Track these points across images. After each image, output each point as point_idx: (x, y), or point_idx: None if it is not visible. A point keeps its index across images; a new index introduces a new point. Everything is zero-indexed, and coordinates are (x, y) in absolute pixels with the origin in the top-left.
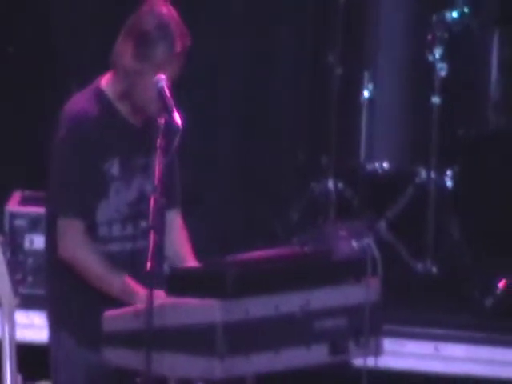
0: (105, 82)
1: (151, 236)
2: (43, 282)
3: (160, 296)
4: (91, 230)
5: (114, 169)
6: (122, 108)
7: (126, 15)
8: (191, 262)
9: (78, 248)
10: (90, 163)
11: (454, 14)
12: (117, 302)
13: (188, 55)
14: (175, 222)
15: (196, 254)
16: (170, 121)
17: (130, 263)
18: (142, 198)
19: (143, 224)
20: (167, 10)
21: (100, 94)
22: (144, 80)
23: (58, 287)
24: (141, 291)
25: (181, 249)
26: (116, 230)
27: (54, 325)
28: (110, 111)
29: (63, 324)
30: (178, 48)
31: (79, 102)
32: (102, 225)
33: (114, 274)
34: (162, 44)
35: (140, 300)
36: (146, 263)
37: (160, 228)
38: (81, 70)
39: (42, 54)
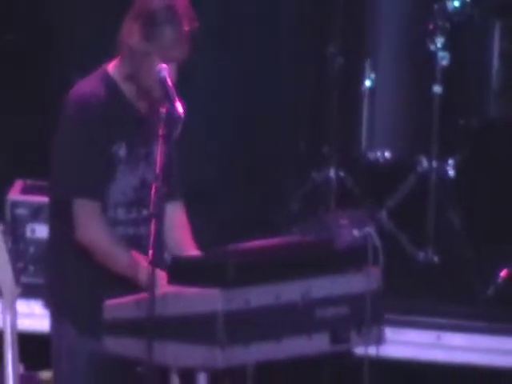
0: (112, 65)
1: (152, 224)
2: (44, 271)
3: (163, 277)
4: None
5: (122, 151)
6: (128, 92)
7: (126, 1)
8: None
9: (94, 227)
10: (97, 144)
11: (456, 4)
12: (119, 291)
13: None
14: (176, 214)
15: (197, 246)
16: (171, 110)
17: (132, 248)
18: (144, 186)
19: (145, 211)
20: None
21: (107, 78)
22: (150, 61)
23: (59, 276)
24: (147, 266)
25: (181, 241)
26: (121, 213)
27: (56, 314)
28: (116, 95)
29: (64, 313)
30: (185, 29)
31: (86, 85)
32: (109, 207)
33: (122, 250)
34: (168, 25)
35: (146, 275)
36: (147, 249)
37: (161, 216)
38: (80, 56)
39: (40, 41)
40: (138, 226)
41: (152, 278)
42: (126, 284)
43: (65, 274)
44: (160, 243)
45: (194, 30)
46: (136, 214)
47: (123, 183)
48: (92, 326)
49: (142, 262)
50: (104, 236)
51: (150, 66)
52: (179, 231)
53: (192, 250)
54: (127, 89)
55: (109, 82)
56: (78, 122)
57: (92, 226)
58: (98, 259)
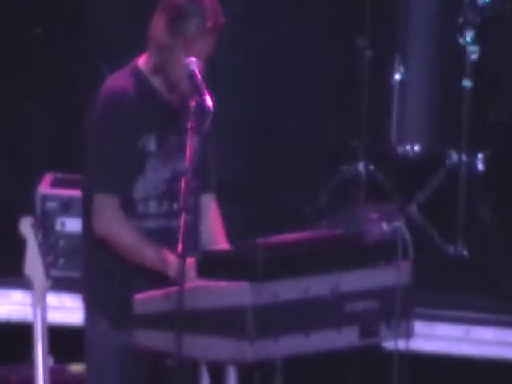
0: (141, 59)
1: (182, 218)
2: (75, 264)
3: (191, 264)
4: (128, 206)
5: (151, 145)
6: (158, 85)
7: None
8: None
9: (113, 223)
10: (126, 139)
11: None
12: (151, 285)
13: (220, 34)
14: (209, 207)
15: (228, 239)
16: (201, 103)
17: (164, 240)
18: (176, 178)
19: (177, 204)
20: None
21: (137, 72)
22: (175, 55)
23: (93, 270)
24: (176, 261)
25: (214, 234)
26: (152, 206)
27: (89, 307)
28: (146, 88)
29: (97, 306)
30: (210, 24)
31: (117, 79)
32: (139, 201)
33: (148, 245)
34: (193, 18)
35: (175, 270)
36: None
37: (192, 210)
38: (111, 51)
39: (70, 35)
40: (170, 218)
41: (181, 271)
42: (158, 277)
43: (99, 268)
44: (194, 235)
45: (220, 26)
46: (168, 206)
47: (154, 176)
48: (124, 319)
49: (169, 256)
50: (125, 232)
51: (175, 59)
52: (212, 223)
53: (223, 243)
54: (157, 82)
55: (139, 76)
56: (106, 118)
57: (109, 221)
58: (121, 254)
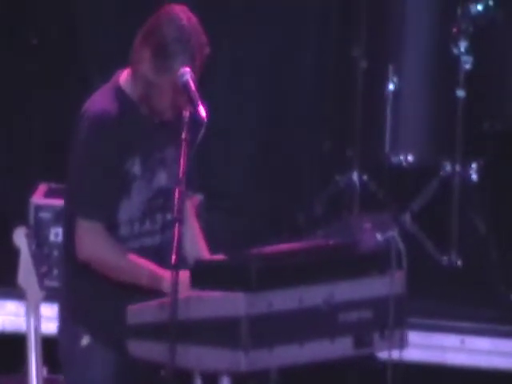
0: (123, 79)
1: (176, 228)
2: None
3: (185, 277)
4: (112, 229)
5: (136, 168)
6: (141, 108)
7: (148, 7)
8: (204, 253)
9: (98, 249)
10: (111, 164)
11: (479, 7)
12: (136, 297)
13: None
14: (189, 210)
15: (219, 247)
16: (194, 113)
17: (150, 258)
18: (158, 194)
19: (159, 218)
20: (187, 20)
21: (120, 93)
22: (161, 90)
23: (75, 283)
24: (168, 275)
25: (194, 238)
26: (136, 227)
27: (69, 320)
28: (129, 109)
29: (80, 320)
30: (198, 61)
31: (99, 101)
32: (123, 224)
33: (137, 264)
34: (180, 57)
35: (168, 285)
36: (165, 256)
37: (183, 220)
38: (103, 60)
39: (65, 45)
40: (153, 235)
41: (175, 281)
42: (143, 290)
43: (80, 282)
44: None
45: (206, 56)
46: (150, 224)
47: (138, 199)
48: (107, 334)
49: (160, 271)
50: (108, 255)
51: (161, 93)
52: (192, 228)
53: (203, 246)
54: (140, 105)
55: (122, 98)
56: (90, 142)
57: (92, 248)
58: (112, 277)
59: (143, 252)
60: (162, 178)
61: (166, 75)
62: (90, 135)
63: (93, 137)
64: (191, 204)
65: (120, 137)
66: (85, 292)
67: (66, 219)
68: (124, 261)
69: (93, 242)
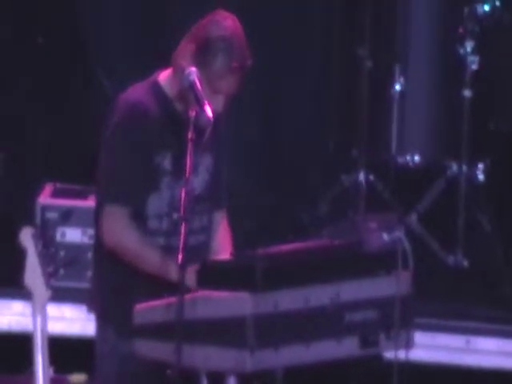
0: (163, 77)
1: (182, 228)
2: (75, 274)
3: (193, 272)
4: (140, 221)
5: (166, 162)
6: (178, 105)
7: (156, 10)
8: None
9: (120, 231)
10: (141, 153)
11: (486, 8)
12: (157, 294)
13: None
14: (219, 224)
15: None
16: (200, 114)
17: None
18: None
19: (192, 221)
20: (233, 24)
21: (158, 89)
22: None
23: (104, 281)
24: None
25: (221, 252)
26: (165, 224)
27: (98, 318)
28: (166, 106)
29: (106, 317)
30: (236, 63)
31: (137, 92)
32: (151, 217)
33: (152, 250)
34: (221, 56)
35: (176, 274)
36: (194, 260)
37: (206, 229)
38: (109, 60)
39: (71, 44)
40: (179, 237)
41: (182, 281)
42: (164, 287)
43: (109, 279)
44: (205, 254)
45: (246, 68)
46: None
47: (169, 195)
48: (129, 330)
49: (172, 262)
50: (130, 238)
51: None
52: (220, 241)
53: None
54: (177, 103)
55: (160, 94)
56: (123, 130)
57: (118, 231)
58: (126, 261)
59: (169, 250)
60: (193, 182)
61: (206, 70)
62: (124, 122)
63: (127, 124)
64: (223, 217)
65: (152, 129)
66: (113, 290)
67: (96, 215)
68: (139, 243)
69: (113, 225)
